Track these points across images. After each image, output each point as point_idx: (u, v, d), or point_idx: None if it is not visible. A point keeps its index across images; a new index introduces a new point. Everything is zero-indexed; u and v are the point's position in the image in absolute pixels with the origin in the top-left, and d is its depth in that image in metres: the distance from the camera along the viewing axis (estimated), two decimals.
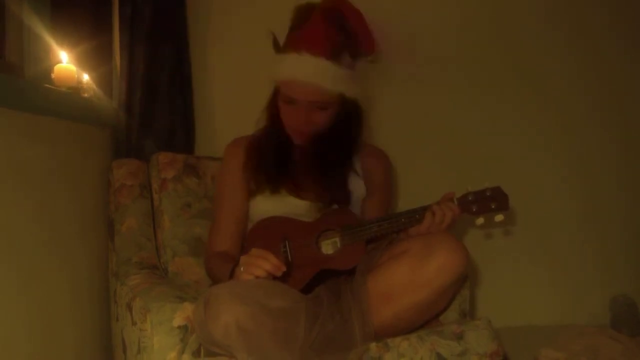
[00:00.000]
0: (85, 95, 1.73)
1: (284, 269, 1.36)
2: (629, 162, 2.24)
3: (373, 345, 1.31)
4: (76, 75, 1.66)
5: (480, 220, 1.50)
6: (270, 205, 1.61)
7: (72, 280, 1.62)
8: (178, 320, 1.38)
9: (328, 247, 1.54)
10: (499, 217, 1.49)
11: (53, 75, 1.59)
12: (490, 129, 2.22)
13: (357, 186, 1.65)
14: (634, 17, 2.23)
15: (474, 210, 1.49)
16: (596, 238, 2.20)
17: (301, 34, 1.53)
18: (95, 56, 1.83)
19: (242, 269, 1.37)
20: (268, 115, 1.66)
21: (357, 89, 1.57)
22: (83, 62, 1.73)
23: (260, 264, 1.35)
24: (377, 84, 2.19)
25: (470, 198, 1.49)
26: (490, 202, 1.48)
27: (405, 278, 1.38)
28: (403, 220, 1.49)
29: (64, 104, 1.60)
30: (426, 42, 2.22)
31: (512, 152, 2.22)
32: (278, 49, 1.59)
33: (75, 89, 1.67)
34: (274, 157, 1.62)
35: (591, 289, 2.16)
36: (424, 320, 1.45)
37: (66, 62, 1.63)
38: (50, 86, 1.56)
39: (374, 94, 2.18)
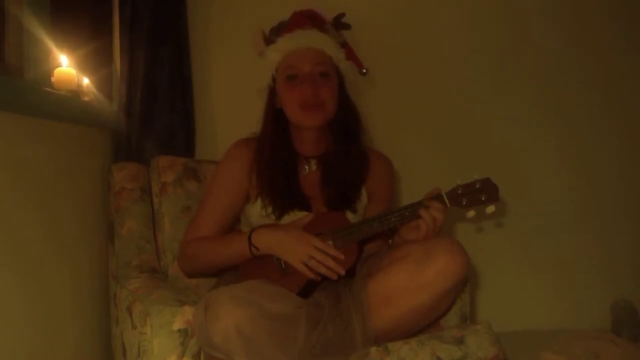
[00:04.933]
0: (86, 98, 1.73)
1: (342, 272, 1.44)
2: (633, 164, 2.22)
3: (373, 349, 1.31)
4: (76, 79, 1.66)
5: (471, 213, 1.48)
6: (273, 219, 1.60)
7: (72, 283, 1.62)
8: (178, 324, 1.38)
9: None
10: (491, 209, 1.47)
11: (53, 79, 1.59)
12: (492, 126, 2.22)
13: (361, 194, 1.65)
14: (634, 13, 2.22)
15: (464, 203, 1.46)
16: (598, 242, 2.20)
17: (288, 23, 1.68)
18: (96, 59, 1.84)
19: (303, 257, 1.44)
20: (267, 122, 1.64)
21: (347, 64, 1.66)
22: (83, 65, 1.74)
23: (326, 262, 1.43)
24: (377, 82, 2.19)
25: (459, 191, 1.47)
26: (480, 194, 1.46)
27: (406, 282, 1.38)
28: (393, 219, 1.48)
29: (64, 107, 1.60)
30: (426, 39, 2.22)
31: (514, 154, 2.21)
32: (268, 41, 1.67)
33: (76, 93, 1.67)
34: (284, 181, 1.59)
35: (592, 293, 2.15)
36: (424, 324, 1.45)
37: (66, 66, 1.63)
38: (50, 89, 1.56)
39: (375, 91, 2.19)
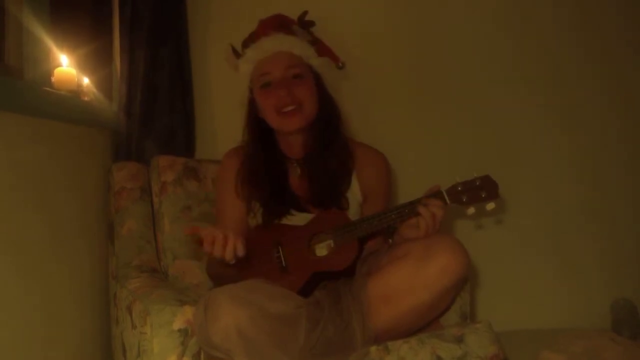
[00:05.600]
0: (86, 98, 1.73)
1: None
2: (636, 163, 2.20)
3: (373, 348, 1.31)
4: (76, 79, 1.66)
5: (471, 210, 1.49)
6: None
7: (73, 283, 1.62)
8: (178, 324, 1.38)
9: (323, 249, 1.54)
10: (491, 206, 1.47)
11: (53, 79, 1.59)
12: (491, 124, 2.20)
13: (354, 190, 1.65)
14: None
15: (464, 200, 1.47)
16: (598, 241, 2.19)
17: (255, 32, 1.68)
18: (96, 59, 1.84)
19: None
20: (250, 132, 1.67)
21: (320, 61, 1.67)
22: (83, 65, 1.74)
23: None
24: (377, 79, 2.19)
25: (459, 188, 1.48)
26: (479, 191, 1.47)
27: (406, 280, 1.38)
28: (393, 216, 1.48)
29: (64, 107, 1.60)
30: (426, 34, 2.22)
31: (513, 151, 2.20)
32: (238, 54, 1.69)
33: (76, 93, 1.67)
34: (271, 188, 1.61)
35: (592, 292, 2.15)
36: (424, 323, 1.45)
37: (66, 66, 1.63)
38: (50, 89, 1.56)
39: (373, 89, 2.19)
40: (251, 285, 1.36)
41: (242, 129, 1.69)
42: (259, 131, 1.66)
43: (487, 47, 2.21)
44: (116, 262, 1.69)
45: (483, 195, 1.47)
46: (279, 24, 1.68)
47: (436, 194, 1.47)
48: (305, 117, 1.59)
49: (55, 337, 1.49)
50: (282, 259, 1.52)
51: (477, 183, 1.47)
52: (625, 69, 2.21)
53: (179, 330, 1.38)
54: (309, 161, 1.63)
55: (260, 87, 1.62)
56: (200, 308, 1.30)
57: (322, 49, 1.72)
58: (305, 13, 1.72)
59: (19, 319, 1.34)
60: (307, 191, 1.61)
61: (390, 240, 1.58)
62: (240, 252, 1.35)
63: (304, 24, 1.72)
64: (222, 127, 2.17)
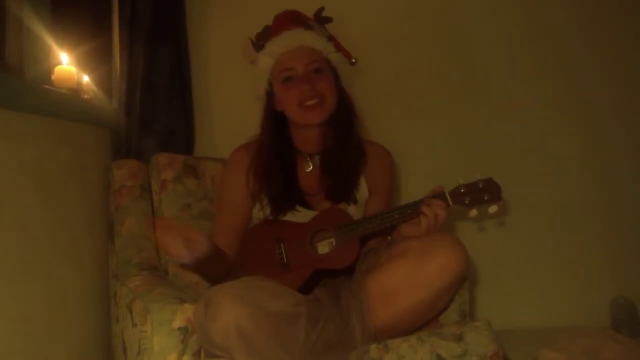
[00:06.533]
0: (86, 96, 1.73)
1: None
2: (636, 163, 2.21)
3: (373, 346, 1.31)
4: (76, 77, 1.66)
5: (473, 212, 1.50)
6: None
7: (75, 281, 1.62)
8: (178, 322, 1.38)
9: (324, 247, 1.54)
10: (493, 209, 1.48)
11: (53, 77, 1.59)
12: (503, 123, 2.20)
13: (361, 186, 1.66)
14: None
15: (467, 202, 1.48)
16: (597, 239, 2.19)
17: (273, 27, 1.68)
18: (95, 57, 1.84)
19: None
20: (267, 125, 1.67)
21: (337, 56, 1.70)
22: (83, 63, 1.74)
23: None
24: (384, 78, 2.19)
25: (462, 190, 1.49)
26: (482, 193, 1.48)
27: (406, 278, 1.38)
28: (395, 216, 1.49)
29: (64, 105, 1.60)
30: (428, 29, 2.22)
31: (514, 153, 2.20)
32: (257, 47, 1.70)
33: (76, 90, 1.67)
34: (282, 181, 1.61)
35: (591, 290, 2.15)
36: (424, 321, 1.46)
37: (66, 64, 1.63)
38: (50, 87, 1.57)
39: (380, 88, 2.19)
40: (251, 283, 1.36)
41: (260, 122, 1.69)
42: (275, 123, 1.66)
43: (495, 47, 2.21)
44: (116, 261, 1.69)
45: (486, 198, 1.48)
46: (295, 19, 1.69)
47: (439, 195, 1.48)
48: (326, 110, 1.60)
49: (57, 335, 1.49)
50: (284, 255, 1.52)
51: (480, 185, 1.48)
52: (635, 68, 2.21)
53: (179, 329, 1.38)
54: (328, 155, 1.64)
55: (282, 81, 1.62)
56: (201, 306, 1.30)
57: (337, 45, 1.72)
58: (322, 9, 1.72)
59: (22, 317, 1.34)
60: (316, 187, 1.62)
61: (389, 237, 1.59)
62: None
63: (321, 20, 1.72)
64: (220, 125, 2.17)
